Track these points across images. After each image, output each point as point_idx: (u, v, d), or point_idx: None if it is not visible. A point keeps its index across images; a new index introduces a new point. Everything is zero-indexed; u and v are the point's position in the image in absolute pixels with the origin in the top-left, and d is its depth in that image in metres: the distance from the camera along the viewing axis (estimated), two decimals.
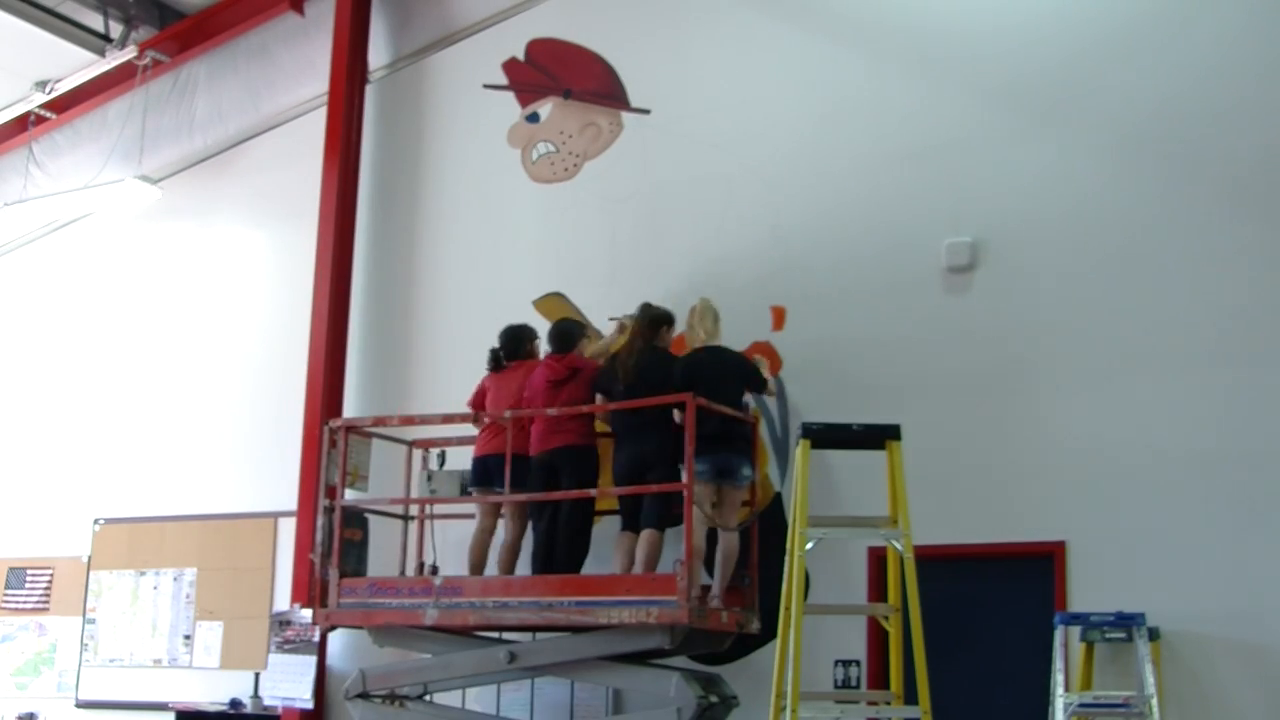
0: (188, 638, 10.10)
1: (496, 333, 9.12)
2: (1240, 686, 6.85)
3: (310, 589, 8.15)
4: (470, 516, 8.19)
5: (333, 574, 7.95)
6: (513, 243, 9.37)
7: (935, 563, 6.92)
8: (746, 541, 7.45)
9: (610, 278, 8.94)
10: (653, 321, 7.81)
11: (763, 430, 8.21)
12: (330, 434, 8.24)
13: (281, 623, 9.18)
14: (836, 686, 7.59)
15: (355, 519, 8.33)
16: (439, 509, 8.39)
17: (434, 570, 8.10)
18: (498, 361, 8.24)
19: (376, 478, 8.56)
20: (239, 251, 10.67)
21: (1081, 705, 6.57)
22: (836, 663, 7.66)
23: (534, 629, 7.70)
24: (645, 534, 7.40)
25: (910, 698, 6.27)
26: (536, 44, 9.56)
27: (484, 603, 7.50)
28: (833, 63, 8.50)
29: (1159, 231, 7.44)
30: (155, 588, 10.32)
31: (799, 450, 6.44)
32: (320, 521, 8.09)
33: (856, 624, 7.63)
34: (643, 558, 7.36)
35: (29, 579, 10.91)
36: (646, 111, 9.07)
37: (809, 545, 6.34)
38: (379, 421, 8.57)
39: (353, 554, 8.22)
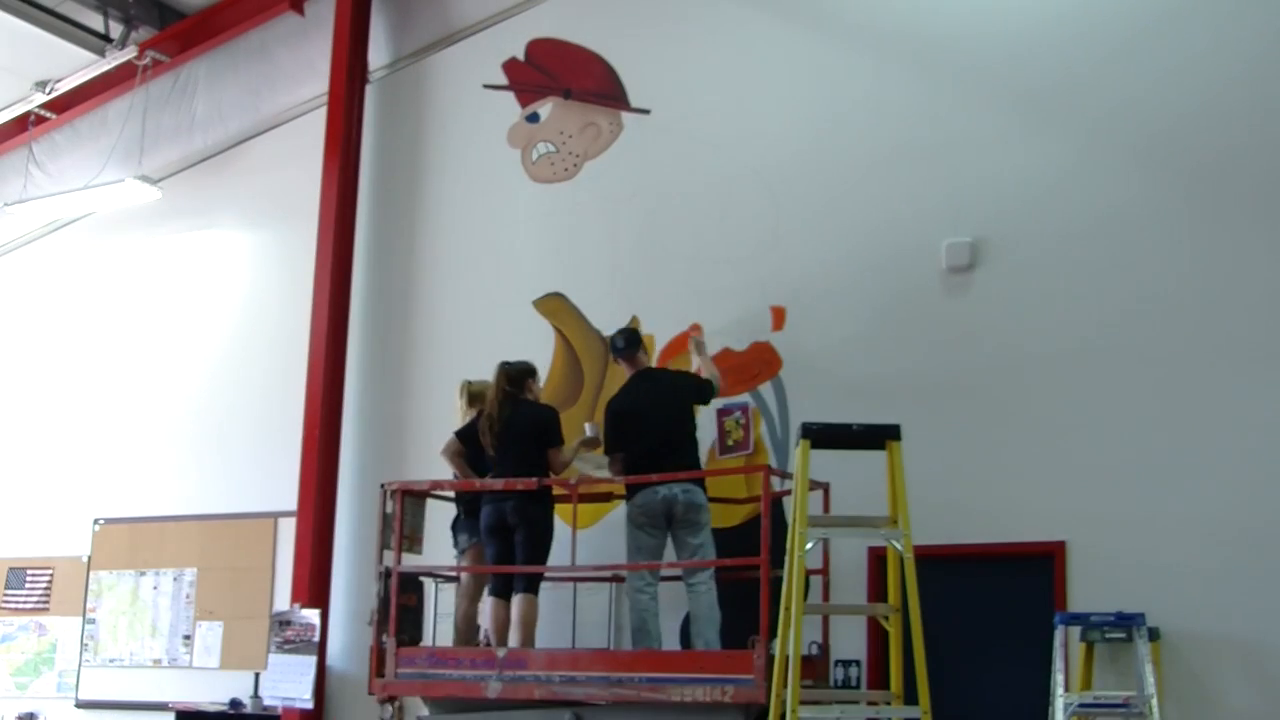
0: (188, 638, 10.10)
1: (497, 332, 9.15)
2: (1240, 686, 6.85)
3: (370, 660, 7.77)
4: None
5: (390, 643, 7.64)
6: (513, 243, 9.37)
7: (935, 563, 6.92)
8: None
9: (610, 278, 8.95)
10: (511, 375, 7.76)
11: (763, 430, 8.22)
12: (386, 496, 7.91)
13: (281, 623, 9.18)
14: (836, 686, 7.59)
15: (410, 583, 8.09)
16: None
17: (489, 639, 7.93)
18: None
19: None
20: (239, 251, 10.68)
21: (1081, 705, 6.57)
22: (836, 663, 7.66)
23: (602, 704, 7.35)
24: (520, 598, 7.41)
25: (910, 698, 6.26)
26: (536, 44, 9.56)
27: (550, 676, 7.19)
28: (833, 63, 8.50)
29: (1159, 231, 7.44)
30: (155, 588, 10.33)
31: (799, 450, 6.43)
32: (376, 588, 7.80)
33: (856, 624, 7.63)
34: (519, 621, 7.38)
35: (29, 579, 10.91)
36: (646, 111, 9.07)
37: (809, 545, 6.33)
38: (435, 485, 8.09)
39: (408, 621, 7.98)
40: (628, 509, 7.50)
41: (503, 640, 7.49)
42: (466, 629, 7.86)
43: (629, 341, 7.92)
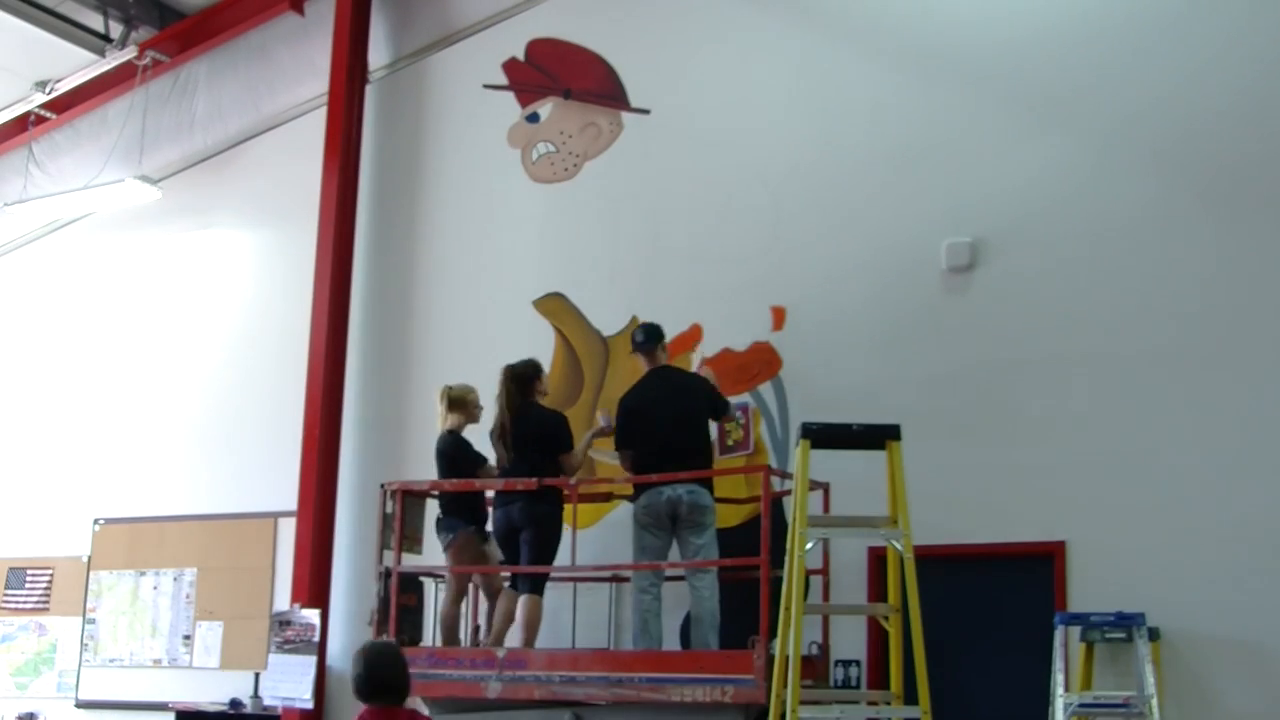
0: (188, 638, 10.10)
1: (497, 332, 9.16)
2: (1240, 686, 6.85)
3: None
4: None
5: None
6: (513, 243, 9.37)
7: (935, 563, 6.91)
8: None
9: (610, 278, 8.94)
10: (519, 379, 7.73)
11: (763, 430, 8.22)
12: (386, 496, 7.91)
13: (281, 623, 9.18)
14: (836, 686, 7.59)
15: (410, 583, 8.09)
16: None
17: (481, 636, 7.96)
18: None
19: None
20: (239, 251, 10.68)
21: (1081, 705, 6.57)
22: (836, 663, 7.66)
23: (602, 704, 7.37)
24: (524, 599, 7.44)
25: (910, 698, 6.26)
26: (536, 44, 9.56)
27: (550, 676, 7.21)
28: (833, 63, 8.50)
29: (1159, 231, 7.44)
30: (155, 588, 10.32)
31: (799, 450, 6.43)
32: (376, 588, 7.81)
33: (856, 624, 7.63)
34: (522, 622, 7.39)
35: (29, 579, 10.91)
36: (646, 111, 9.07)
37: (809, 545, 6.33)
38: (435, 485, 7.95)
39: (408, 621, 7.99)
40: (634, 509, 7.51)
41: (505, 631, 7.51)
42: (447, 631, 7.84)
43: (649, 336, 7.88)
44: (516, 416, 7.64)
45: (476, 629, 8.09)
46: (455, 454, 7.87)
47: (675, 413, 7.54)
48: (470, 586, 8.01)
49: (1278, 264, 7.14)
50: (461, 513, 7.81)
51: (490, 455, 7.85)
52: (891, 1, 8.40)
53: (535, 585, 7.50)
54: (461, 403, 7.98)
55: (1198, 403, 7.17)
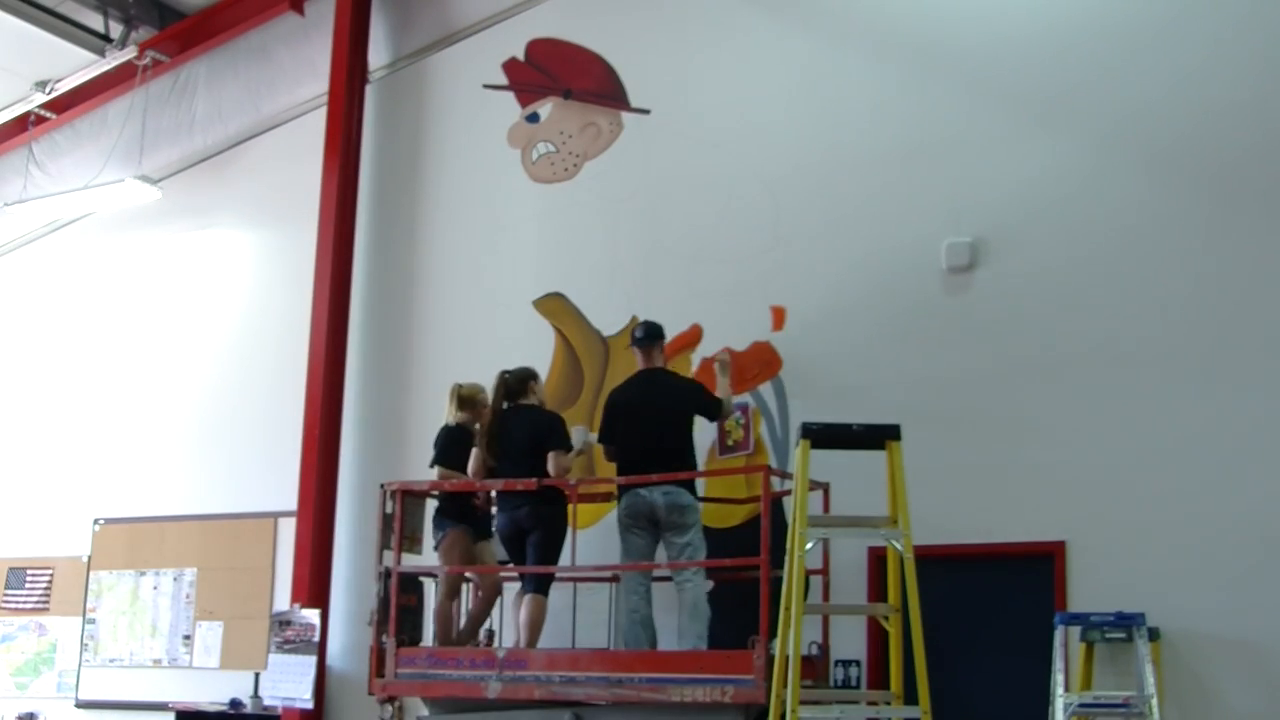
0: (188, 638, 10.10)
1: (497, 333, 9.16)
2: (1240, 686, 6.85)
3: (370, 660, 7.76)
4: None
5: (390, 643, 7.63)
6: (513, 243, 9.38)
7: (935, 563, 6.92)
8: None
9: (610, 278, 8.95)
10: (512, 386, 7.76)
11: (763, 430, 8.22)
12: (386, 496, 7.88)
13: (281, 623, 9.18)
14: (836, 686, 7.59)
15: (410, 584, 8.07)
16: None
17: (490, 636, 7.99)
18: None
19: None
20: (239, 251, 10.68)
21: (1081, 705, 6.57)
22: (836, 663, 7.66)
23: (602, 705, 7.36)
24: (528, 598, 7.47)
25: (910, 698, 6.26)
26: (536, 44, 9.56)
27: (550, 676, 7.21)
28: (833, 63, 8.50)
29: (1159, 231, 7.44)
30: (155, 588, 10.33)
31: (799, 450, 6.44)
32: (376, 588, 7.79)
33: (856, 624, 7.63)
34: (526, 621, 7.41)
35: (29, 579, 10.92)
36: (646, 111, 9.07)
37: (809, 545, 6.33)
38: (435, 485, 7.92)
39: (408, 621, 7.97)
40: (617, 512, 7.54)
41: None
42: (441, 627, 7.85)
43: (649, 334, 7.88)
44: (502, 419, 7.67)
45: (453, 626, 8.09)
46: (447, 442, 7.91)
47: (658, 414, 7.56)
48: (464, 585, 8.03)
49: (1277, 263, 7.14)
50: (451, 512, 7.82)
51: None
52: (891, 1, 8.40)
53: (540, 585, 7.51)
54: (470, 401, 8.00)
55: (1198, 402, 7.17)
